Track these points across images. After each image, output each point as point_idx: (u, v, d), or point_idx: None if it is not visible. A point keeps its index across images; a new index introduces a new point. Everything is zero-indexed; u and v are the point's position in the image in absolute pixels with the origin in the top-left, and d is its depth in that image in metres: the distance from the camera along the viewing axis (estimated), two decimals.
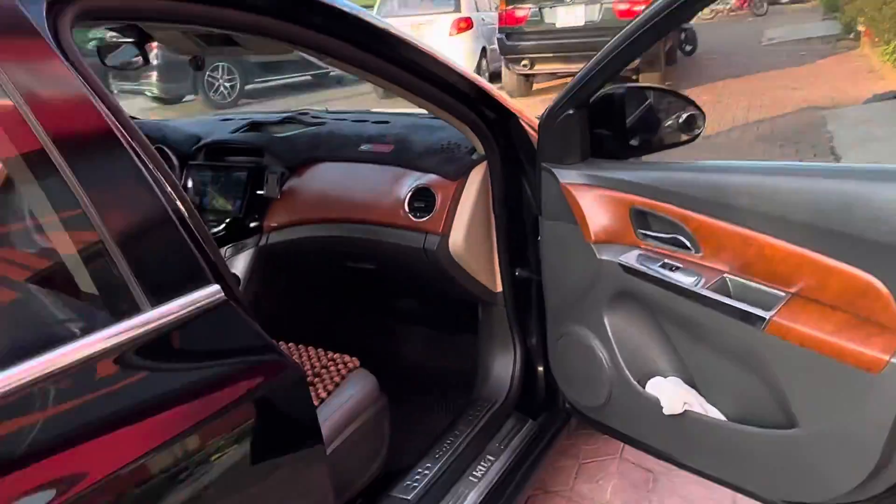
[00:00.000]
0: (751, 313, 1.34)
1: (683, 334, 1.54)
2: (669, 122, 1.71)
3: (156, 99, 11.10)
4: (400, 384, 2.32)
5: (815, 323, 1.28)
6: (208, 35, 1.52)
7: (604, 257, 1.60)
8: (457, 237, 1.80)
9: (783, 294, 1.35)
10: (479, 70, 9.92)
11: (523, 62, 8.56)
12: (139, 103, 11.73)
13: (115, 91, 11.44)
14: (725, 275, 1.44)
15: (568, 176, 1.65)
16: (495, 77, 9.75)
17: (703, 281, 1.44)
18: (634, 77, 8.55)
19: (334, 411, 1.58)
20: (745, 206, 1.37)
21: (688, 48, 11.17)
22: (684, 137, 1.72)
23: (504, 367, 1.98)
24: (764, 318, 1.32)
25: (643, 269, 1.52)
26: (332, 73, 12.33)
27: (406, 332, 2.44)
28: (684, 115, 1.70)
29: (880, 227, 1.18)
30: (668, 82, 8.78)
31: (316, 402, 1.58)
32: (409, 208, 1.83)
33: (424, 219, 1.80)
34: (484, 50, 10.03)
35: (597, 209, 1.61)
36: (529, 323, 1.96)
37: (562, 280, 1.76)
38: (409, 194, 1.83)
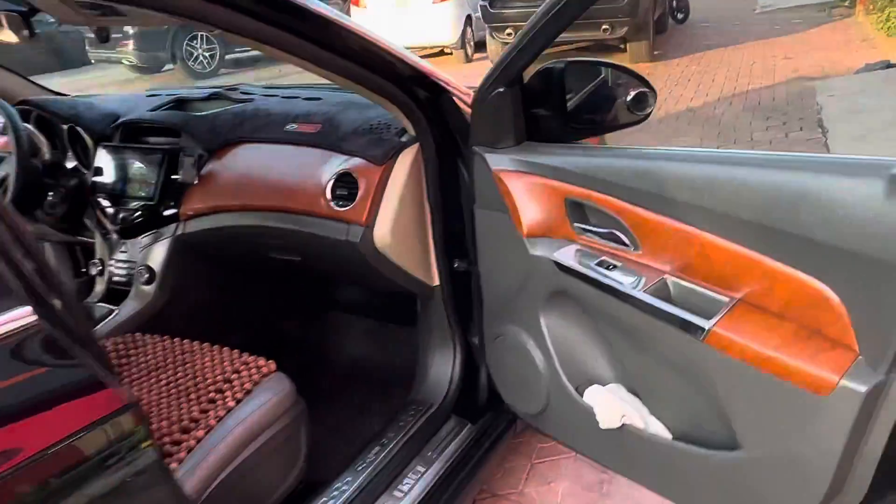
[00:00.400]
0: (689, 322, 1.18)
1: (623, 339, 1.38)
2: (616, 102, 1.54)
3: (134, 68, 10.82)
4: (334, 382, 2.18)
5: (759, 335, 1.13)
6: (90, 4, 1.34)
7: (537, 253, 1.44)
8: (383, 228, 1.63)
9: (727, 300, 1.19)
10: (464, 39, 9.65)
11: (507, 30, 8.29)
12: (117, 73, 11.47)
13: (93, 60, 11.19)
14: (666, 276, 1.28)
15: (500, 161, 1.48)
16: (480, 46, 9.48)
17: (642, 282, 1.28)
18: (622, 46, 8.32)
19: (241, 421, 1.42)
20: (685, 201, 1.21)
21: (679, 16, 10.88)
22: (632, 118, 1.54)
23: (443, 366, 1.82)
24: (703, 329, 1.16)
25: (578, 267, 1.36)
26: None
27: (344, 323, 2.28)
28: (633, 94, 1.52)
29: (833, 228, 1.02)
30: (657, 51, 8.55)
31: (222, 413, 1.43)
32: (332, 196, 1.66)
33: (347, 208, 1.63)
34: (469, 18, 9.74)
35: (529, 199, 1.44)
36: (471, 319, 1.80)
37: (496, 276, 1.60)
38: (331, 180, 1.66)
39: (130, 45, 10.01)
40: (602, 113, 1.55)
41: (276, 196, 1.74)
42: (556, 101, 1.51)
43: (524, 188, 1.45)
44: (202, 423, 1.42)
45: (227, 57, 10.76)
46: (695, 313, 1.20)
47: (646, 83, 1.54)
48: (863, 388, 1.00)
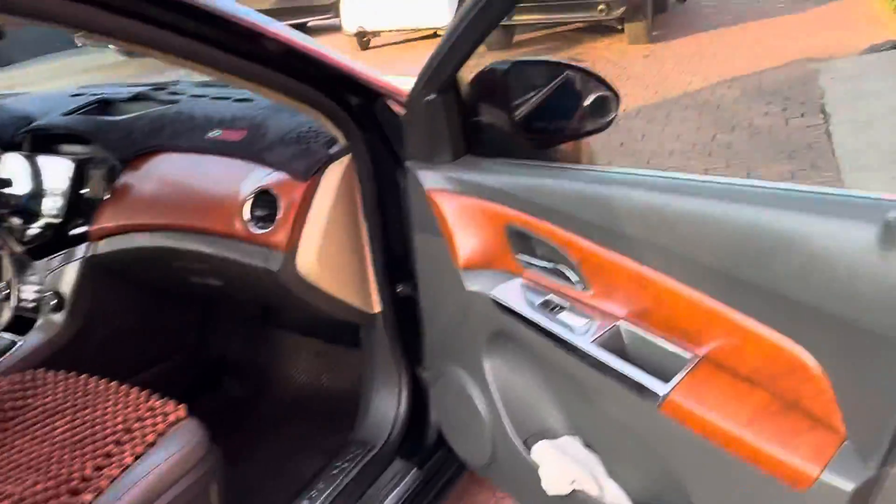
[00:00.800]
0: (643, 386, 0.98)
1: (574, 391, 1.18)
2: (573, 107, 1.33)
3: (121, 51, 10.54)
4: (276, 412, 1.99)
5: (725, 405, 0.92)
6: None
7: (474, 288, 1.24)
8: (308, 253, 1.42)
9: (689, 356, 0.99)
10: None
11: None
12: (104, 57, 11.21)
13: (79, 44, 10.92)
14: (620, 322, 1.07)
15: (433, 179, 1.27)
16: None
17: (593, 328, 1.08)
18: (619, 27, 8.04)
19: (136, 482, 1.23)
20: (639, 237, 1.00)
21: None
22: (592, 126, 1.33)
23: (387, 402, 1.63)
24: (658, 395, 0.96)
25: (519, 308, 1.16)
26: (309, 24, 11.75)
27: (290, 345, 2.08)
28: (591, 98, 1.31)
29: (811, 285, 0.81)
30: (656, 32, 8.26)
31: (116, 472, 1.24)
32: (250, 216, 1.45)
33: (266, 230, 1.43)
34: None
35: (466, 224, 1.24)
36: (419, 349, 1.60)
37: (436, 308, 1.40)
38: (249, 199, 1.45)
39: None
40: (556, 121, 1.33)
41: (192, 214, 1.54)
42: (500, 107, 1.29)
43: (460, 211, 1.24)
44: (93, 483, 1.23)
45: None
46: (652, 370, 1.00)
47: (607, 86, 1.32)
48: (849, 486, 0.80)
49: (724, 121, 4.87)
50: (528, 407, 1.29)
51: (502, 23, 8.23)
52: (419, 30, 9.48)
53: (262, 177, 1.47)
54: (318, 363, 2.02)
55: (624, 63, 7.11)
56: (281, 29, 1.24)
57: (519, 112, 1.31)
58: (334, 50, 1.34)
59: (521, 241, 1.18)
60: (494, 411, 1.31)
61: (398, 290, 1.54)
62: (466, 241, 1.23)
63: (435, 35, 9.91)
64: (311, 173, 1.42)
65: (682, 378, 0.96)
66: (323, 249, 1.44)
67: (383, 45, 9.65)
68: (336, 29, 10.14)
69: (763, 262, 0.85)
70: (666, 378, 0.97)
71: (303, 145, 1.48)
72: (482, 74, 1.30)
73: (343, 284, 1.49)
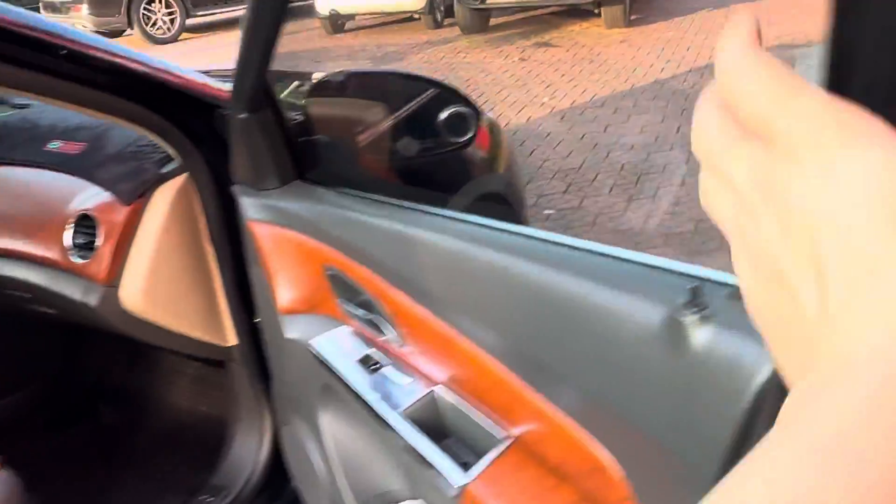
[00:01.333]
0: (440, 474, 0.82)
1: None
2: (424, 124, 1.16)
3: (98, 33, 10.32)
4: (146, 443, 1.83)
5: (529, 502, 0.77)
6: None
7: (293, 336, 1.08)
8: (134, 285, 1.26)
9: (501, 436, 0.83)
10: (432, 3, 9.11)
11: None
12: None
13: None
14: (438, 388, 0.91)
15: (254, 208, 1.11)
16: (449, 12, 8.94)
17: (413, 392, 0.92)
18: (596, 10, 7.81)
19: None
20: (442, 296, 0.84)
21: None
22: (447, 145, 1.17)
23: (248, 444, 1.47)
24: (454, 487, 0.80)
25: (336, 364, 1.00)
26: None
27: (169, 368, 1.91)
28: (445, 114, 1.15)
29: (597, 373, 0.65)
30: (634, 16, 8.03)
31: None
32: (72, 243, 1.29)
33: (86, 260, 1.26)
34: None
35: (285, 262, 1.08)
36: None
37: (272, 349, 1.25)
38: (72, 223, 1.29)
39: (84, 9, 9.49)
40: (402, 140, 1.17)
41: (17, 238, 1.37)
42: (334, 125, 1.13)
43: (280, 246, 1.08)
44: None
45: (189, 22, 10.21)
46: (468, 448, 0.85)
47: (464, 100, 1.16)
48: None
49: (692, 111, 4.68)
50: (366, 468, 1.13)
51: (478, 6, 8.02)
52: (395, 13, 9.25)
53: (87, 198, 1.30)
54: (198, 388, 1.86)
55: (598, 48, 6.90)
56: (94, 42, 1.09)
57: (359, 131, 1.14)
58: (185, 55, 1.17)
59: (340, 285, 1.02)
60: (332, 472, 1.16)
61: (256, 321, 1.38)
62: (286, 280, 1.07)
63: (411, 18, 9.70)
64: (135, 196, 1.25)
65: (487, 466, 0.81)
66: (153, 280, 1.27)
67: (358, 29, 9.41)
68: (310, 13, 9.91)
69: (559, 341, 0.69)
70: (467, 467, 0.81)
71: (136, 162, 1.31)
72: (316, 87, 1.13)
73: (184, 317, 1.33)
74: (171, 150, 1.24)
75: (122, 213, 1.25)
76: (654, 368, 0.60)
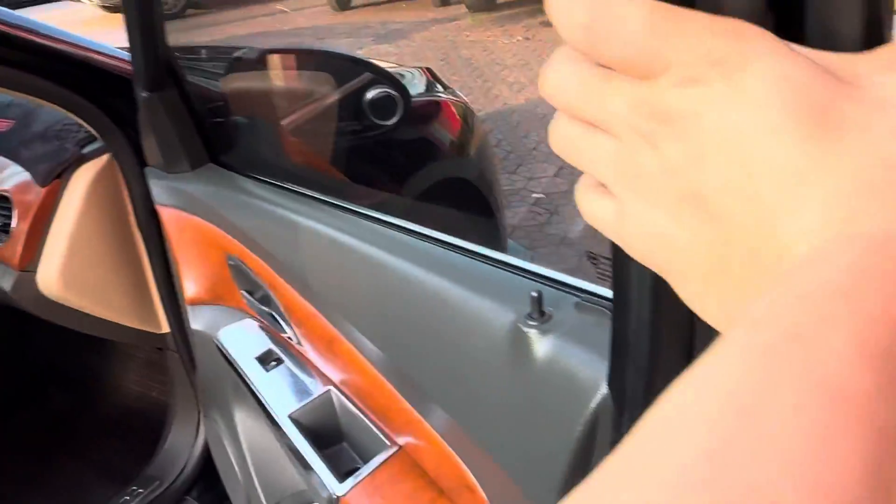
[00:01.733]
0: (322, 482, 0.77)
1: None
2: (348, 105, 1.10)
3: (103, 7, 10.26)
4: (89, 432, 1.79)
5: None
6: None
7: (197, 327, 1.02)
8: (52, 270, 1.21)
9: (388, 445, 0.78)
10: None
11: None
12: (85, 12, 10.88)
13: None
14: (333, 389, 0.86)
15: (162, 192, 1.05)
16: None
17: (308, 393, 0.87)
18: None
19: None
20: (327, 294, 0.78)
21: None
22: (371, 128, 1.10)
23: (184, 435, 1.43)
24: (333, 496, 0.75)
25: (237, 359, 0.95)
26: None
27: (119, 354, 1.87)
28: (370, 96, 1.08)
29: (451, 387, 0.59)
30: None
31: None
32: None
33: (1, 244, 1.22)
34: None
35: (189, 250, 1.02)
36: None
37: (192, 339, 1.19)
38: None
39: None
40: (324, 122, 1.10)
41: None
42: (253, 106, 1.06)
43: (186, 233, 1.02)
44: None
45: None
46: (359, 454, 0.80)
47: (392, 80, 1.09)
48: None
49: None
50: (279, 466, 1.08)
51: None
52: None
53: (6, 178, 1.25)
54: (148, 373, 1.81)
55: None
56: (12, 19, 1.03)
57: (279, 113, 1.08)
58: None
59: (241, 277, 0.96)
60: (245, 468, 1.11)
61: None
62: (191, 269, 1.02)
63: None
64: (51, 177, 1.20)
65: (368, 475, 0.75)
66: (72, 264, 1.22)
67: (365, 6, 9.28)
68: None
69: (424, 353, 0.63)
70: (347, 475, 0.76)
71: (59, 142, 1.26)
72: (229, 65, 1.07)
73: (108, 303, 1.29)
74: (91, 130, 1.18)
75: (37, 195, 1.20)
76: (499, 384, 0.53)
